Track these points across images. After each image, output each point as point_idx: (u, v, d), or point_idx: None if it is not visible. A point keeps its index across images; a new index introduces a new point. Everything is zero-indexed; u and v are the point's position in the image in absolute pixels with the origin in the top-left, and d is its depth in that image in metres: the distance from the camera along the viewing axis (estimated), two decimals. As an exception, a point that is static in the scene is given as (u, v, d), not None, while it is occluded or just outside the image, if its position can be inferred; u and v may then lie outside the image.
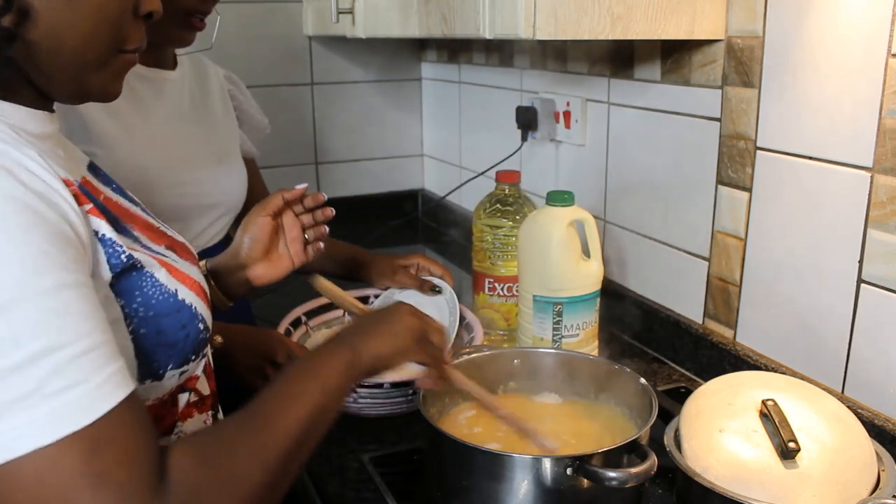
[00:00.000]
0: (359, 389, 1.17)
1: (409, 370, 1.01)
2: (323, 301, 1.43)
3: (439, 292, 1.42)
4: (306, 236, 1.14)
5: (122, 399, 0.61)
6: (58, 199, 0.64)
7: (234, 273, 1.10)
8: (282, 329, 1.34)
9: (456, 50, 2.16)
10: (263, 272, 1.11)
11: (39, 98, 0.73)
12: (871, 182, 1.05)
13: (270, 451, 0.70)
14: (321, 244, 1.14)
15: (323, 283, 1.11)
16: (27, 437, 0.56)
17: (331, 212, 1.14)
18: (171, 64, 1.37)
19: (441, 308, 1.42)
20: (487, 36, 1.20)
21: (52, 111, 0.75)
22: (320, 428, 0.77)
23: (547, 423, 1.08)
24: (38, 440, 0.56)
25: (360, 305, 1.11)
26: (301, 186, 1.11)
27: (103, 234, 0.69)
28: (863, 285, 1.08)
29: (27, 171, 0.63)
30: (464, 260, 1.78)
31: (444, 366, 1.00)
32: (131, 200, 0.86)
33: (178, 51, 1.41)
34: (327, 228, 1.15)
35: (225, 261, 1.11)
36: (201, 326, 0.78)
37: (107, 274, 0.69)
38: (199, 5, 1.24)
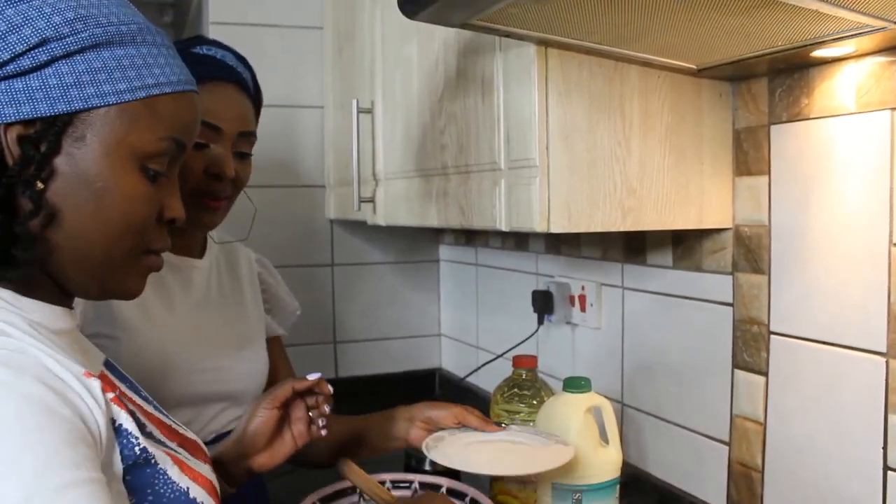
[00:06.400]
0: None
1: None
2: (338, 486, 1.40)
3: (505, 426, 1.31)
4: (311, 414, 1.13)
5: None
6: (73, 396, 0.65)
7: (236, 462, 1.09)
8: (297, 518, 1.32)
9: (473, 233, 2.23)
10: (266, 460, 1.11)
11: (60, 294, 0.75)
12: (887, 367, 1.05)
13: None
14: (324, 431, 1.13)
15: (352, 468, 1.07)
16: None
17: (330, 400, 1.12)
18: (200, 252, 1.41)
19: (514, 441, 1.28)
20: (504, 229, 1.24)
21: (71, 307, 0.77)
22: None
23: None
24: None
25: (390, 495, 1.08)
26: (313, 377, 1.11)
27: (120, 424, 0.70)
28: (889, 472, 1.06)
29: (44, 369, 0.65)
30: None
31: None
32: (145, 398, 0.87)
33: (216, 242, 1.44)
34: (327, 409, 1.12)
35: (227, 449, 1.10)
36: None
37: (118, 466, 0.69)
38: (210, 186, 1.25)
